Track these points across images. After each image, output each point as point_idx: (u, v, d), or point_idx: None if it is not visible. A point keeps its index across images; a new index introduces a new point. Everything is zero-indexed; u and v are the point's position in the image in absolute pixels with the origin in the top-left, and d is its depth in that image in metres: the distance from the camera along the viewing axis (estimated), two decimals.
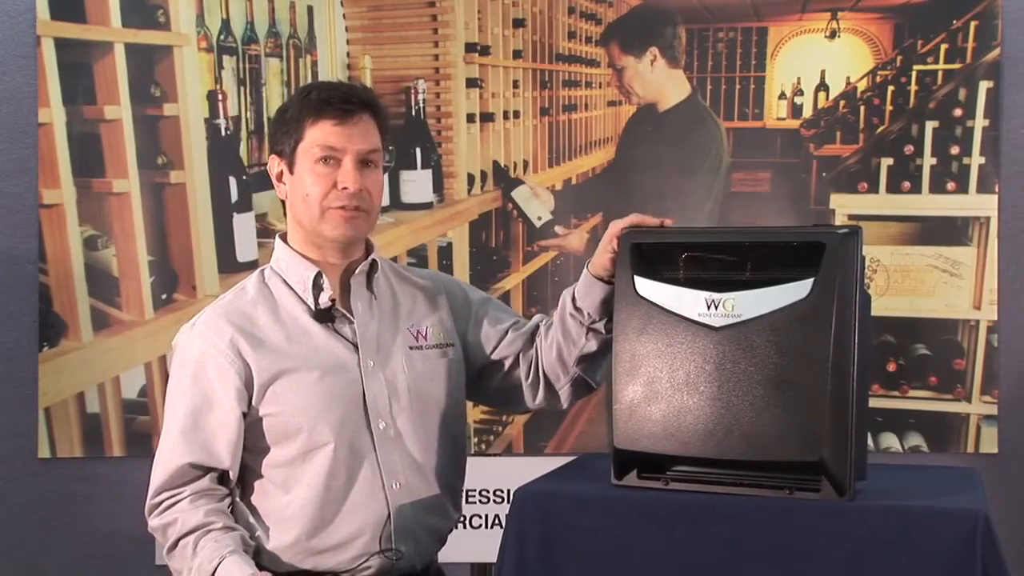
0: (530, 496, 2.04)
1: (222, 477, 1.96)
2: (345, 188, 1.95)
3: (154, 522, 1.96)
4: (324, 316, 1.99)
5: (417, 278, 2.14)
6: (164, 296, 3.18)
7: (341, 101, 1.95)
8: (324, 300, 1.99)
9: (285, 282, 2.01)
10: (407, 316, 2.07)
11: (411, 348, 2.05)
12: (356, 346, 2.00)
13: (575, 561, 1.98)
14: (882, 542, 1.83)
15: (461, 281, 2.23)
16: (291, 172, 1.98)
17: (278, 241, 2.05)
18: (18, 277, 3.20)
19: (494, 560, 2.10)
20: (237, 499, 1.99)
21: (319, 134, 1.95)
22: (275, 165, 2.01)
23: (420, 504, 2.03)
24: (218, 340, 1.95)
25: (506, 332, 2.13)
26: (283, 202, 2.05)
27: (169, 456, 1.95)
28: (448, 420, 2.08)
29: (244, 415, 1.95)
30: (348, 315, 2.01)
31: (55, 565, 3.21)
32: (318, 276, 1.99)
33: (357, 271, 2.03)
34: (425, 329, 2.07)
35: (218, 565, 1.85)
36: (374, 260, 2.05)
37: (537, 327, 2.13)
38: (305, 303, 2.00)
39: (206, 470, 1.95)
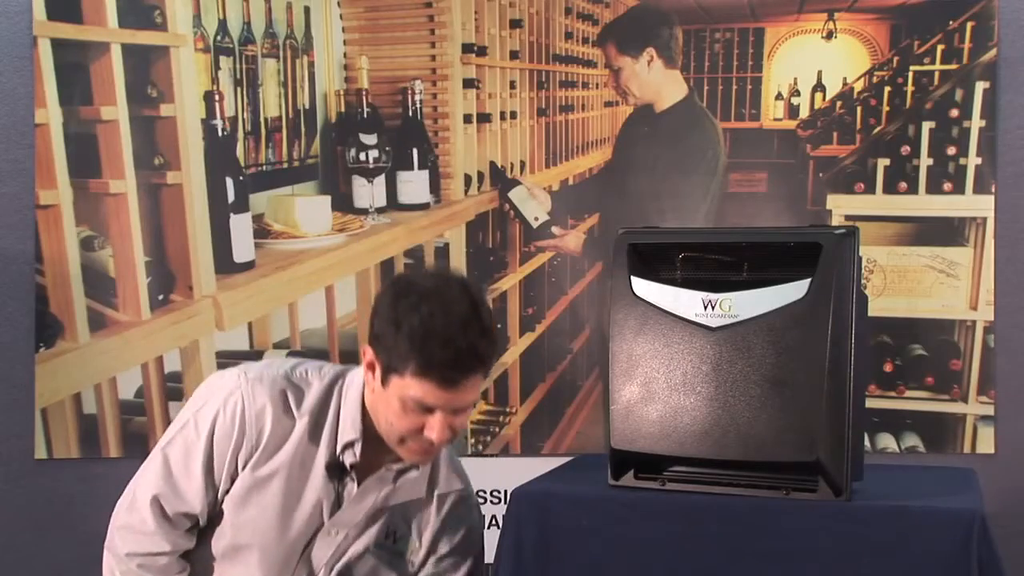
0: (527, 496, 2.04)
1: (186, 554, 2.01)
2: (430, 437, 1.89)
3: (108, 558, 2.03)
4: (334, 470, 1.99)
5: (448, 498, 2.10)
6: (161, 297, 3.17)
7: (452, 367, 1.82)
8: (346, 459, 1.98)
9: (338, 411, 1.99)
10: (397, 514, 2.06)
11: (377, 545, 2.04)
12: (339, 504, 2.00)
13: (572, 561, 1.99)
14: (879, 542, 1.84)
15: (473, 547, 2.15)
16: (383, 384, 1.89)
17: (360, 380, 1.98)
18: (14, 278, 3.20)
19: (491, 560, 2.11)
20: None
21: (418, 390, 1.84)
22: (368, 355, 1.91)
23: None
24: (248, 413, 1.96)
25: None
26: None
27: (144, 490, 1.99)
28: None
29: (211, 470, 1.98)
30: (354, 478, 2.00)
31: (51, 566, 3.20)
32: (355, 442, 1.97)
33: (399, 466, 2.01)
34: (401, 535, 2.06)
35: None
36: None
37: None
38: (333, 444, 1.98)
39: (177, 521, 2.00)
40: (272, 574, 2.00)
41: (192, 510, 1.98)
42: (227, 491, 1.98)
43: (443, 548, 2.09)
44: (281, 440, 1.97)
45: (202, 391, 2.03)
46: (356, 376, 1.99)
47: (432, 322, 1.81)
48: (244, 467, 1.96)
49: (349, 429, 1.97)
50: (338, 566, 2.02)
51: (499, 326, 3.33)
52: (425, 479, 2.07)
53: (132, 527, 1.98)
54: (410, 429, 1.89)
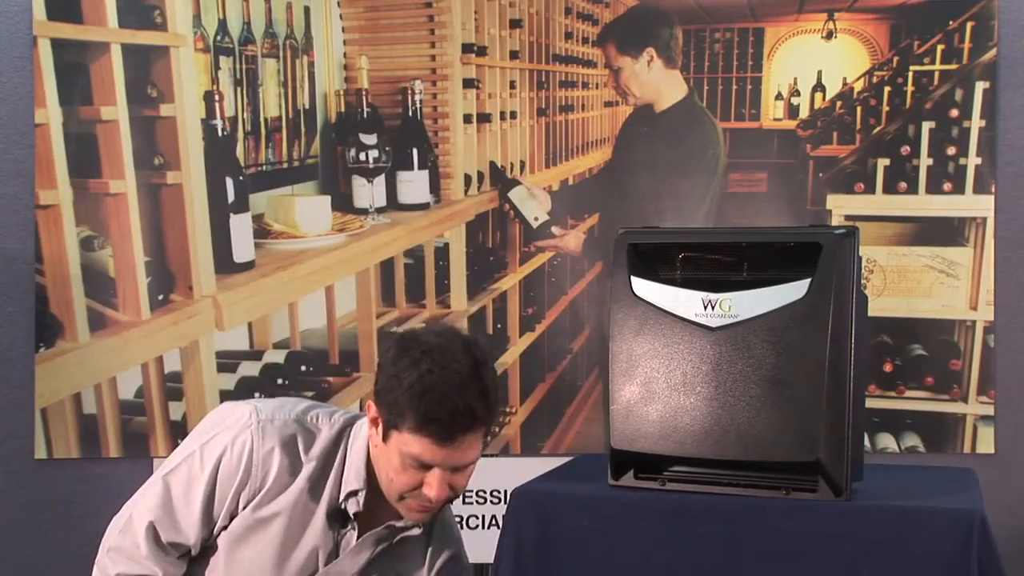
0: (527, 496, 2.04)
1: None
2: (428, 495, 1.88)
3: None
4: (335, 518, 1.98)
5: (439, 558, 2.09)
6: (161, 297, 3.17)
7: (447, 425, 1.82)
8: (349, 508, 1.98)
9: (344, 460, 1.99)
10: (391, 569, 2.05)
11: None
12: (336, 553, 2.00)
13: (572, 561, 1.99)
14: (879, 542, 1.84)
15: None
16: (383, 440, 1.89)
17: (366, 435, 1.97)
18: (14, 278, 3.20)
19: (491, 560, 2.11)
20: None
21: (416, 447, 1.84)
22: (372, 410, 1.91)
23: None
24: (256, 454, 1.95)
25: None
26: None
27: (140, 515, 1.98)
28: None
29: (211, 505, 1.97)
30: (355, 527, 2.00)
31: (51, 566, 3.20)
32: (359, 491, 1.97)
33: (400, 524, 2.00)
34: None
35: None
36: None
37: None
38: (336, 492, 1.98)
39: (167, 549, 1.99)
40: None
41: (186, 541, 1.97)
42: (224, 528, 1.97)
43: None
44: (286, 484, 1.95)
45: (211, 422, 2.01)
46: (364, 426, 1.99)
47: (430, 378, 1.81)
48: (245, 507, 1.95)
49: (353, 479, 1.97)
50: None
51: (499, 325, 3.34)
52: (422, 541, 2.07)
53: (124, 550, 1.97)
54: (409, 486, 1.88)
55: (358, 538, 2.00)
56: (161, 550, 1.96)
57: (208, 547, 1.99)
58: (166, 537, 1.96)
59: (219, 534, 1.98)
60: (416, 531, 2.02)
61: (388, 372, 1.85)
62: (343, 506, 1.97)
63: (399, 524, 2.00)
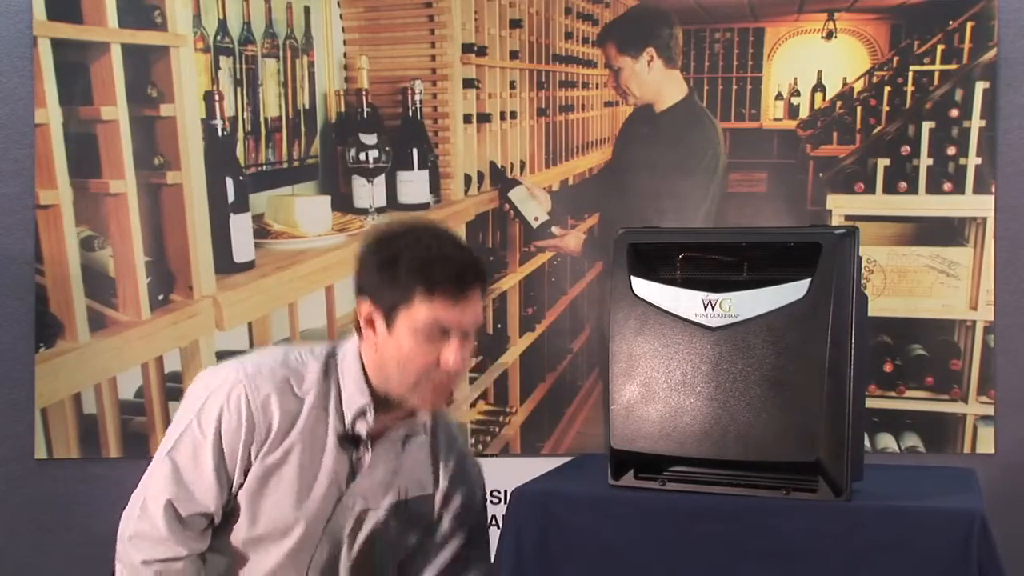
0: (528, 496, 2.04)
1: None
2: (445, 366, 1.90)
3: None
4: (346, 441, 2.00)
5: (449, 458, 2.11)
6: (161, 297, 3.17)
7: (457, 280, 1.88)
8: (359, 429, 1.99)
9: (339, 383, 2.00)
10: (407, 478, 2.06)
11: (395, 511, 2.05)
12: (353, 476, 2.00)
13: (572, 561, 1.99)
14: (879, 542, 1.84)
15: (476, 502, 2.16)
16: (388, 330, 1.91)
17: (355, 348, 1.99)
18: (14, 278, 3.20)
19: (491, 560, 2.11)
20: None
21: (431, 312, 1.87)
22: (366, 309, 1.92)
23: None
24: (253, 405, 1.95)
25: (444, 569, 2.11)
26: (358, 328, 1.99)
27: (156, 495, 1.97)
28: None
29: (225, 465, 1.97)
30: (369, 447, 2.01)
31: (51, 566, 3.20)
32: (367, 407, 1.98)
33: (403, 429, 2.02)
34: (413, 498, 2.07)
35: None
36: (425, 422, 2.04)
37: None
38: (340, 415, 1.99)
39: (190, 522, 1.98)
40: (296, 555, 1.99)
41: (207, 509, 1.96)
42: (241, 484, 1.97)
43: (455, 503, 2.11)
44: (291, 423, 1.97)
45: (197, 390, 2.01)
46: (349, 346, 2.01)
47: (429, 249, 1.89)
48: (256, 457, 1.96)
49: (357, 395, 1.98)
50: (360, 537, 2.02)
51: (499, 325, 3.35)
52: (428, 444, 2.08)
53: (145, 535, 1.97)
54: (425, 364, 1.90)
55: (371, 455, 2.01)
56: (182, 526, 1.96)
57: (230, 511, 1.99)
58: (185, 511, 1.95)
59: (237, 492, 1.98)
60: (421, 437, 2.04)
61: (379, 261, 1.91)
62: (354, 429, 1.98)
63: (404, 430, 2.01)
